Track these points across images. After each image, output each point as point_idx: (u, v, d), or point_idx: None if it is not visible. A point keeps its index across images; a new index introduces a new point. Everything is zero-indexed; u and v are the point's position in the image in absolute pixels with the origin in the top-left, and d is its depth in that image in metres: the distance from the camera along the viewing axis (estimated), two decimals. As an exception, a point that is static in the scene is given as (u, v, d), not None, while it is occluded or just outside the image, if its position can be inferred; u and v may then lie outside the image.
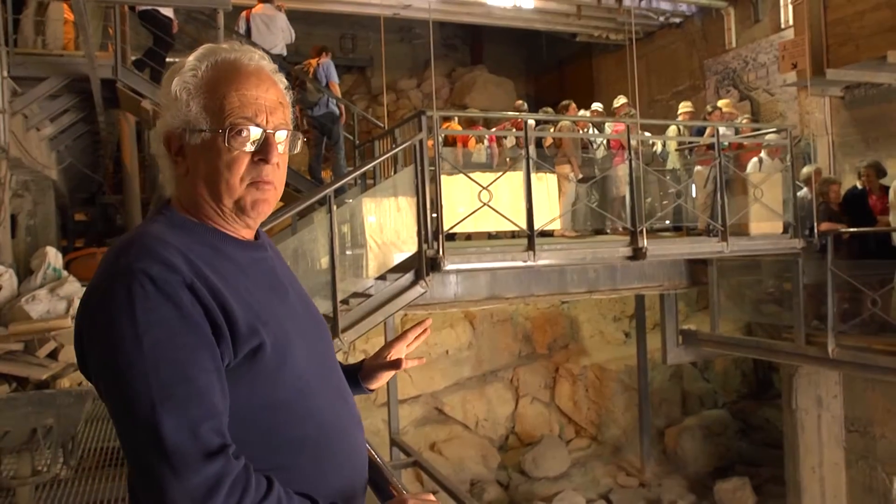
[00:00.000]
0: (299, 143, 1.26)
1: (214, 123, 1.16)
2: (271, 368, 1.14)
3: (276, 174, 1.22)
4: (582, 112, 9.23)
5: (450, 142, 8.29)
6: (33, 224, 7.10)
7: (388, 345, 1.57)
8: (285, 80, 1.27)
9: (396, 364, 1.52)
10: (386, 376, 1.56)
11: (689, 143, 8.42)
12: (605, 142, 8.52)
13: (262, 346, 1.12)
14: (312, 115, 7.88)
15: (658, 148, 8.90)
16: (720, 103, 8.87)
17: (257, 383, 1.13)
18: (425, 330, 1.59)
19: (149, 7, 6.70)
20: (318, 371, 1.25)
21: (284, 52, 8.14)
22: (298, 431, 1.17)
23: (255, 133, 1.17)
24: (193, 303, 1.06)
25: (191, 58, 1.19)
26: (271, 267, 1.29)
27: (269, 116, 1.19)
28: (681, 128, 8.47)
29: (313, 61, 8.10)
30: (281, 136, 1.21)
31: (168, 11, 6.94)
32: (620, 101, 9.12)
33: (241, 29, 8.03)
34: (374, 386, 1.56)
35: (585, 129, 8.63)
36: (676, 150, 8.89)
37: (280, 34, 8.07)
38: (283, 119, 1.22)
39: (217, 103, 1.16)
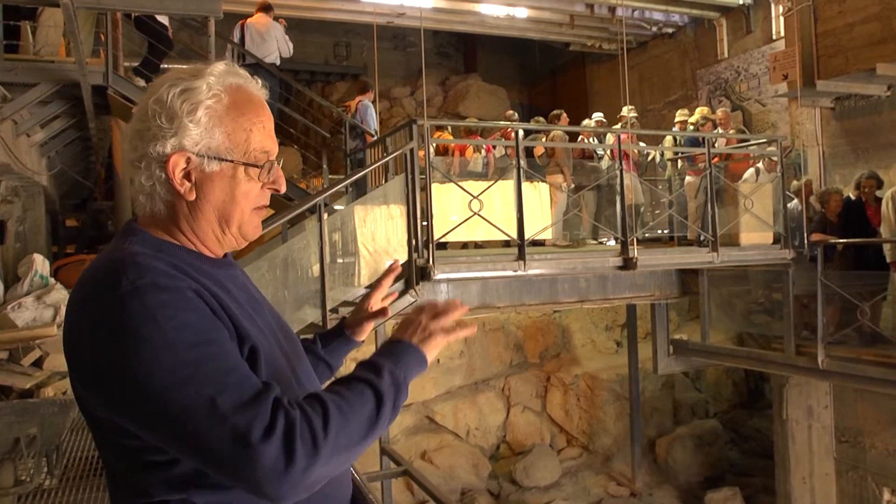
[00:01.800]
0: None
1: (239, 154, 1.17)
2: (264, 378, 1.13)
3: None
4: (586, 122, 9.24)
5: (441, 151, 8.30)
6: (23, 230, 7.06)
7: (366, 297, 1.62)
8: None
9: (383, 313, 1.59)
10: (372, 325, 1.62)
11: (683, 153, 8.45)
12: (609, 151, 8.53)
13: (257, 353, 1.13)
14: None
15: (657, 157, 8.92)
16: (699, 111, 8.90)
17: None
18: (395, 269, 1.67)
19: (143, 14, 6.70)
20: (292, 387, 1.24)
21: (278, 62, 8.14)
22: None
23: (272, 165, 1.22)
24: (204, 305, 1.08)
25: (208, 79, 1.16)
26: (243, 283, 1.29)
27: (274, 145, 1.23)
28: (677, 137, 8.50)
29: (353, 102, 8.16)
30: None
31: (163, 19, 6.94)
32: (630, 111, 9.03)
33: (236, 37, 8.03)
34: (362, 337, 1.61)
35: (589, 139, 8.61)
36: (669, 160, 8.92)
37: (275, 44, 8.07)
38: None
39: (242, 133, 1.17)
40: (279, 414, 0.99)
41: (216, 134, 1.15)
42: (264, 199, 1.23)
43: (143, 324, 1.00)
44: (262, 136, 1.19)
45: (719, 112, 9.09)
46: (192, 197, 1.17)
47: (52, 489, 3.28)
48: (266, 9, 8.29)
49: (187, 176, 1.16)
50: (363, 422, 1.07)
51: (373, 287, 1.62)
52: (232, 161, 1.16)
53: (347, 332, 1.59)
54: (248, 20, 8.16)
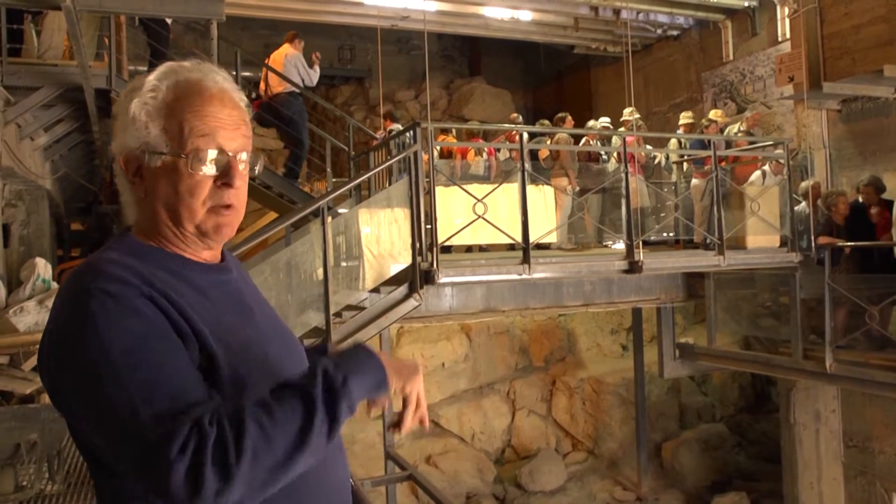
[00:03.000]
0: (260, 163, 1.24)
1: (175, 146, 1.13)
2: (229, 390, 1.10)
3: (238, 196, 1.19)
4: (591, 123, 9.20)
5: (445, 154, 8.28)
6: (27, 234, 7.06)
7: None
8: (246, 99, 1.24)
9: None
10: None
11: (688, 156, 8.40)
12: (615, 154, 8.48)
13: (216, 362, 1.09)
14: None
15: (663, 160, 8.87)
16: (713, 113, 8.86)
17: None
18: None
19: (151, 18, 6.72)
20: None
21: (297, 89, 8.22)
22: None
23: (217, 157, 1.15)
24: (155, 312, 1.04)
25: (151, 77, 1.16)
26: (236, 289, 1.26)
27: (231, 139, 1.16)
28: (682, 140, 8.45)
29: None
30: (242, 158, 1.18)
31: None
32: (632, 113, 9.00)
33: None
34: None
35: (593, 142, 8.56)
36: (674, 162, 8.88)
37: (295, 72, 8.26)
38: (246, 139, 1.20)
39: (178, 126, 1.13)
40: (193, 434, 0.95)
41: (152, 128, 1.13)
42: (220, 198, 1.16)
43: (82, 327, 1.01)
44: (202, 125, 1.13)
45: (747, 114, 9.09)
46: (143, 194, 1.17)
47: (53, 494, 3.26)
48: (290, 38, 8.56)
49: (138, 173, 1.16)
50: (291, 437, 1.00)
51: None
52: (166, 153, 1.13)
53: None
54: (270, 57, 8.53)
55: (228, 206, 1.18)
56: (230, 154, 1.16)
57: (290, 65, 8.27)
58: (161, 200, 1.15)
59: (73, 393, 1.04)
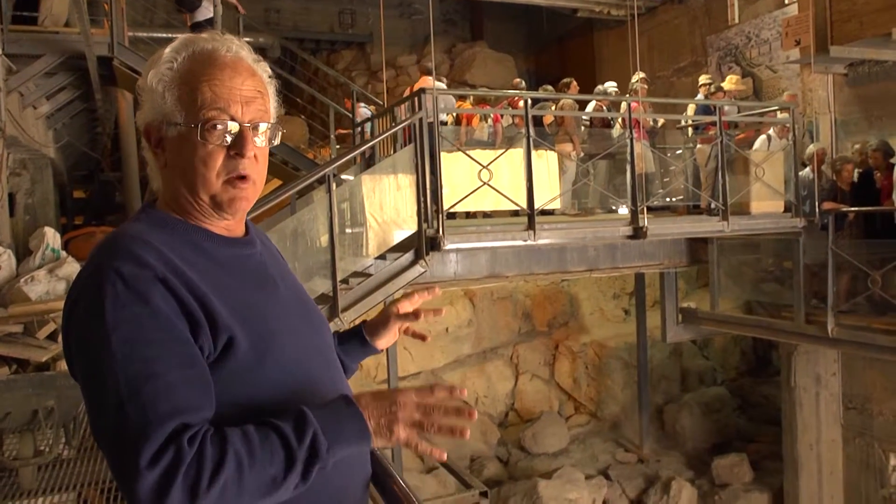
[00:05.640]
0: (279, 134, 1.23)
1: (189, 117, 1.13)
2: (250, 365, 1.11)
3: (255, 168, 1.19)
4: (599, 88, 9.10)
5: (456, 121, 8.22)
6: (31, 202, 7.08)
7: (394, 301, 1.53)
8: (269, 70, 1.24)
9: (414, 315, 1.49)
10: (394, 333, 1.52)
11: (694, 121, 8.33)
12: (621, 119, 8.40)
13: (235, 341, 1.10)
14: None
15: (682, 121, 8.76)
16: (727, 82, 8.76)
17: (238, 380, 1.11)
18: (434, 293, 1.57)
19: None
20: (313, 368, 1.24)
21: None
22: None
23: (230, 126, 1.15)
24: (167, 298, 1.05)
25: (168, 49, 1.17)
26: (259, 262, 1.26)
27: (245, 108, 1.16)
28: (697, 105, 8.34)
29: None
30: (261, 129, 1.18)
31: None
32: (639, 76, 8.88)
33: None
34: (381, 344, 1.53)
35: (600, 108, 8.48)
36: (678, 127, 8.82)
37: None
38: (262, 110, 1.19)
39: (191, 96, 1.13)
40: (171, 447, 0.96)
41: (168, 98, 1.14)
42: (234, 168, 1.15)
43: (91, 307, 1.03)
44: (216, 94, 1.13)
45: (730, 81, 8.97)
46: (163, 165, 1.18)
47: (70, 459, 3.33)
48: None
49: (160, 144, 1.17)
50: (262, 482, 1.01)
51: (403, 296, 1.53)
52: (180, 124, 1.14)
53: (367, 337, 1.51)
54: None
55: (244, 178, 1.17)
56: (244, 123, 1.15)
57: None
58: (178, 171, 1.16)
59: (77, 367, 1.08)
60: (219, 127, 1.13)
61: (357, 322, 1.59)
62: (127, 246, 1.08)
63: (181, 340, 1.04)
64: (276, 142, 1.23)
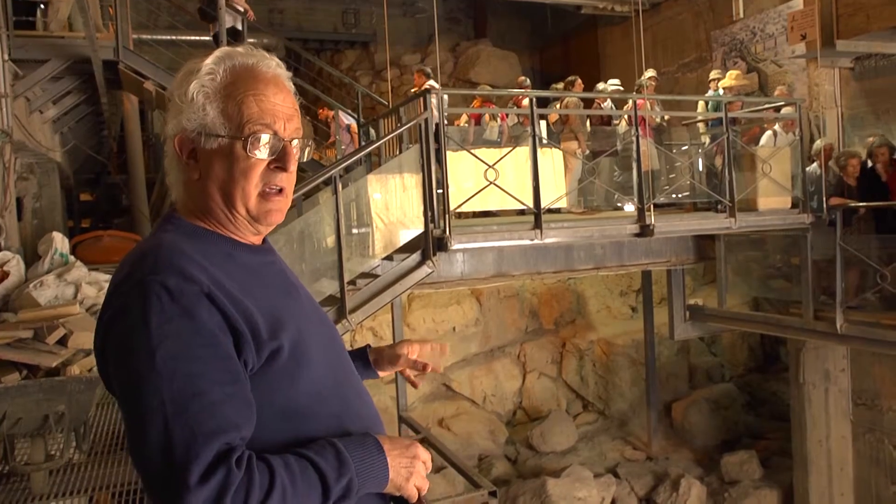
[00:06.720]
0: (308, 150, 1.25)
1: (233, 129, 1.15)
2: (289, 372, 1.13)
3: (290, 181, 1.22)
4: (601, 86, 9.07)
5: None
6: (39, 207, 7.10)
7: (407, 344, 1.56)
8: (293, 87, 1.26)
9: (423, 368, 1.53)
10: (399, 368, 1.56)
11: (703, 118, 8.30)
12: (626, 116, 8.38)
13: (280, 350, 1.12)
14: None
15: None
16: (728, 77, 8.72)
17: (278, 388, 1.12)
18: (444, 352, 1.61)
19: None
20: (336, 372, 1.25)
21: None
22: (322, 436, 1.16)
23: (272, 141, 1.17)
24: (212, 312, 1.05)
25: (208, 60, 1.18)
26: (281, 270, 1.29)
27: (287, 125, 1.19)
28: (708, 103, 8.31)
29: None
30: (295, 144, 1.21)
31: None
32: (649, 74, 8.81)
33: None
34: (383, 372, 1.57)
35: (606, 103, 8.45)
36: (683, 124, 8.79)
37: None
38: (299, 127, 1.22)
39: (236, 109, 1.15)
40: (220, 468, 0.98)
41: (209, 110, 1.15)
42: (274, 181, 1.18)
43: (136, 321, 1.03)
44: (262, 110, 1.15)
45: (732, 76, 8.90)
46: (196, 176, 1.18)
47: (81, 463, 3.34)
48: None
49: (193, 155, 1.17)
50: None
51: (419, 340, 1.59)
52: (223, 136, 1.14)
53: (371, 361, 1.55)
54: None
55: (280, 191, 1.20)
56: (285, 139, 1.18)
57: None
58: (216, 182, 1.17)
59: (116, 381, 1.07)
60: (264, 141, 1.15)
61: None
62: (169, 258, 1.08)
63: (225, 356, 1.05)
64: (306, 157, 1.26)
